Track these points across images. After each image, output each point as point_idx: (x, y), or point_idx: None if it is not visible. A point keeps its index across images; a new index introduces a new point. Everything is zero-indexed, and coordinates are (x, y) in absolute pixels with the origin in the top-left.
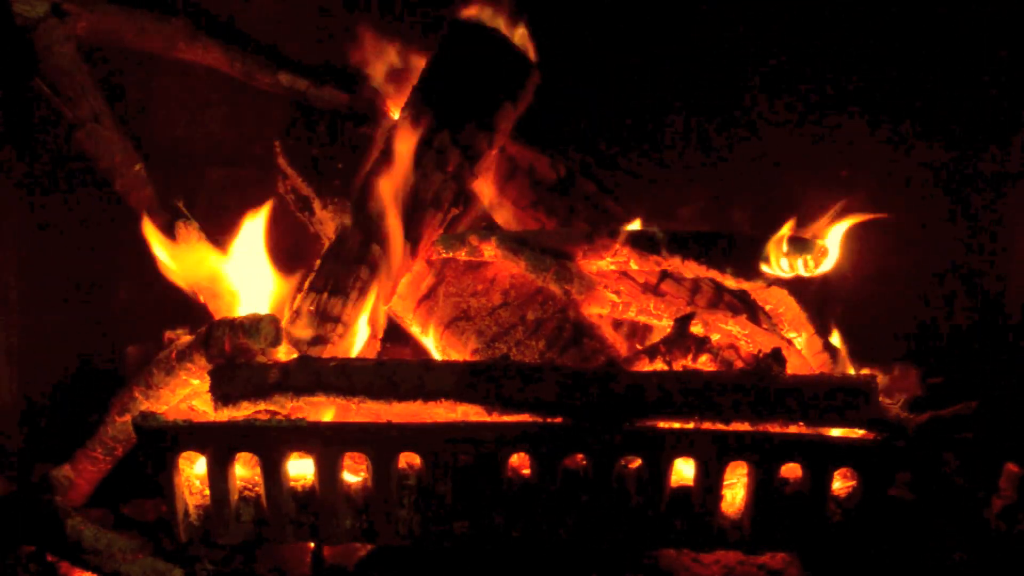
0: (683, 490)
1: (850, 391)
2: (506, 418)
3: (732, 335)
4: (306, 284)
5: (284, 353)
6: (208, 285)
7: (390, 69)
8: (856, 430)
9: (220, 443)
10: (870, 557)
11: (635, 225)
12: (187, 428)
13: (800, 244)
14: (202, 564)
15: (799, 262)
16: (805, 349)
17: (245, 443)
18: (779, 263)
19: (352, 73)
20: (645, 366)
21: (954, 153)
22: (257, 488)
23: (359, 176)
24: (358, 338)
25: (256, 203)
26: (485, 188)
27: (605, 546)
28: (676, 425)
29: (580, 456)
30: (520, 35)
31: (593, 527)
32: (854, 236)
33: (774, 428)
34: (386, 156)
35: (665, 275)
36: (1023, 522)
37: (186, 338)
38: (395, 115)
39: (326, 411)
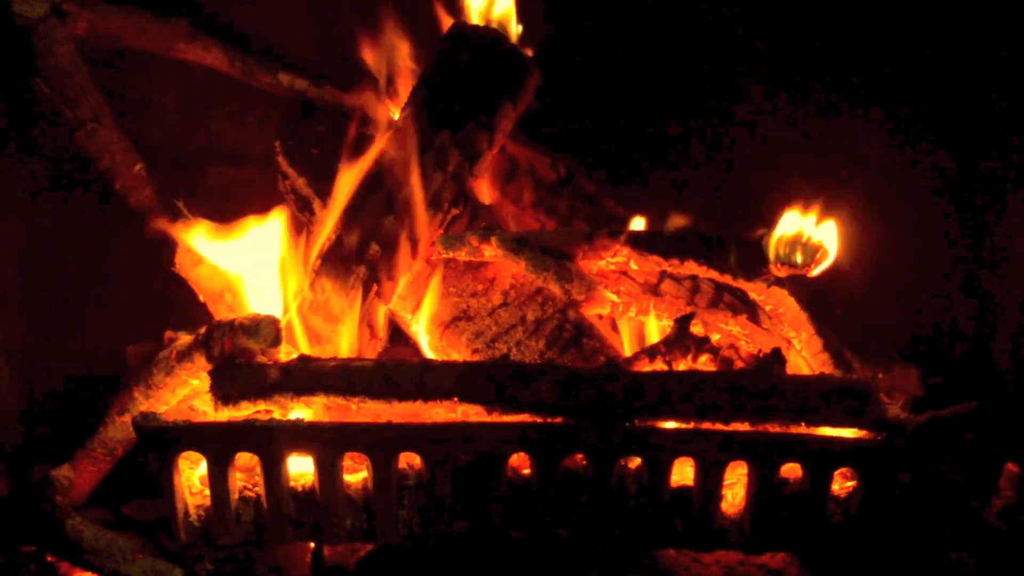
0: (683, 490)
1: (850, 391)
2: (506, 418)
3: (732, 335)
4: (306, 285)
5: (284, 353)
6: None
7: (390, 69)
8: (856, 430)
9: (220, 443)
10: (870, 557)
11: (635, 225)
12: (187, 428)
13: (800, 244)
14: (202, 564)
15: (799, 262)
16: (805, 349)
17: (245, 443)
18: (779, 263)
19: (352, 73)
20: (645, 366)
21: (955, 154)
22: (257, 488)
23: (359, 176)
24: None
25: (256, 203)
26: (485, 188)
27: (605, 546)
28: (676, 425)
29: (580, 456)
30: (520, 36)
31: (593, 527)
32: (854, 237)
33: (774, 428)
34: (386, 156)
35: (665, 275)
36: (1023, 522)
37: (186, 338)
38: (395, 115)
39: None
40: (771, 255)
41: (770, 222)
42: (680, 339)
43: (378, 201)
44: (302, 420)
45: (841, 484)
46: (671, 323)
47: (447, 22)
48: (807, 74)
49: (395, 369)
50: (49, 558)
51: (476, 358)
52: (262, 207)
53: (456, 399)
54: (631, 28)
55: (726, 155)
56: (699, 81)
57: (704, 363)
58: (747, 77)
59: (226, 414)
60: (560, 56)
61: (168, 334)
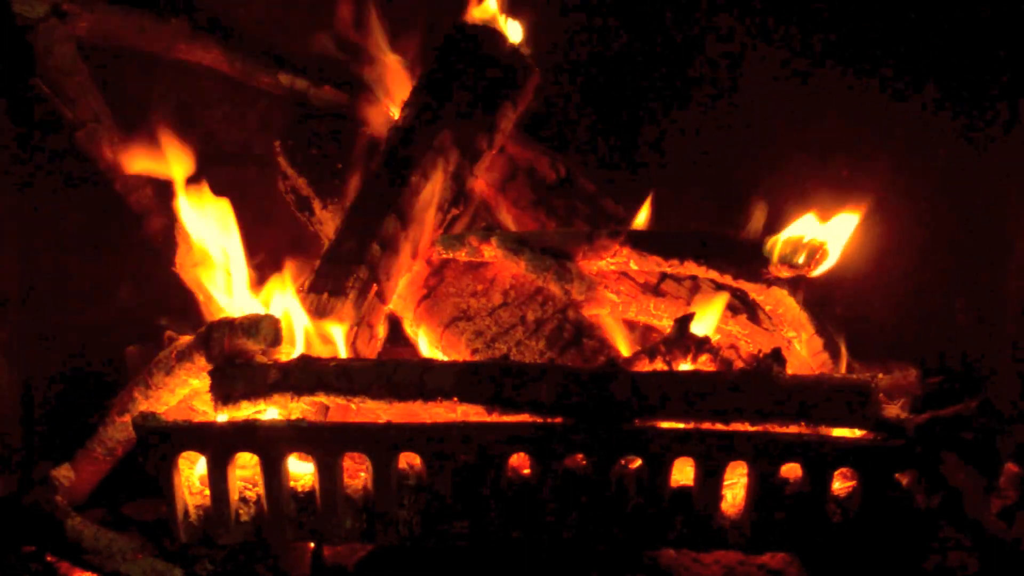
0: (683, 490)
1: (850, 391)
2: (506, 418)
3: (732, 335)
4: (306, 285)
5: (284, 354)
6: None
7: (391, 69)
8: (856, 430)
9: (220, 443)
10: (870, 557)
11: (635, 225)
12: (187, 428)
13: (800, 244)
14: (202, 564)
15: (800, 262)
16: (805, 349)
17: (245, 443)
18: (779, 263)
19: (352, 73)
20: (645, 366)
21: (956, 152)
22: (257, 488)
23: (358, 176)
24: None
25: (256, 203)
26: (485, 188)
27: (605, 546)
28: (676, 425)
29: (580, 456)
30: (520, 36)
31: (593, 527)
32: (854, 236)
33: (774, 428)
34: (385, 156)
35: (665, 275)
36: (1023, 522)
37: (186, 338)
38: (395, 115)
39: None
40: (772, 255)
41: (771, 222)
42: (680, 339)
43: (377, 201)
44: (302, 420)
45: (841, 484)
46: (671, 323)
47: (448, 22)
48: (807, 74)
49: (395, 369)
50: (49, 558)
51: (476, 358)
52: (262, 207)
53: (456, 399)
54: (629, 27)
55: (727, 154)
56: (699, 80)
57: (704, 363)
58: (748, 77)
59: (226, 414)
60: (559, 55)
61: (168, 334)
